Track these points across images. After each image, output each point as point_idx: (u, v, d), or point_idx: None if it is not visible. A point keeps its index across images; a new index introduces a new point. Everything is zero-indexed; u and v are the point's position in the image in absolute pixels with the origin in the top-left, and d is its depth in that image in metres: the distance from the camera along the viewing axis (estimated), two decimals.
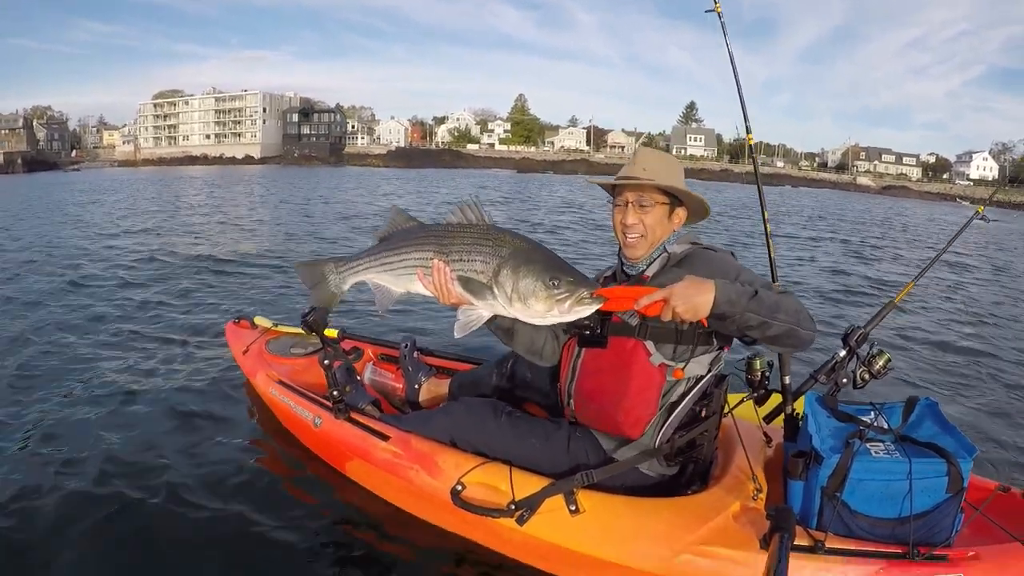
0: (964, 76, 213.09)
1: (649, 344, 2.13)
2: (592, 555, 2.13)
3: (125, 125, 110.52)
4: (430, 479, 2.46)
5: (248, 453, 3.36)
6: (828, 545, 1.95)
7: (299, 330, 3.79)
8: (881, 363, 2.55)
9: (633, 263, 2.29)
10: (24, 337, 5.46)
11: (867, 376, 2.56)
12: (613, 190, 2.32)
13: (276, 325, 4.06)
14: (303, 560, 2.53)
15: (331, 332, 2.97)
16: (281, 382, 3.25)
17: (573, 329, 2.30)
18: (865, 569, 1.92)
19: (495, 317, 2.11)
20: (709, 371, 2.21)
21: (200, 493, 2.97)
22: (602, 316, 2.17)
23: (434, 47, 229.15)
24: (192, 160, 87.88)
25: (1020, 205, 64.32)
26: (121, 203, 21.78)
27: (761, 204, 2.85)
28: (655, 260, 2.25)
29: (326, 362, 2.85)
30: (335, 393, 2.84)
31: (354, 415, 2.83)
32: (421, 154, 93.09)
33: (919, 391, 4.12)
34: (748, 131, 2.94)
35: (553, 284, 1.86)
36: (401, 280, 2.17)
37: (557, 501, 2.18)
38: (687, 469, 2.30)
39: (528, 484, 2.24)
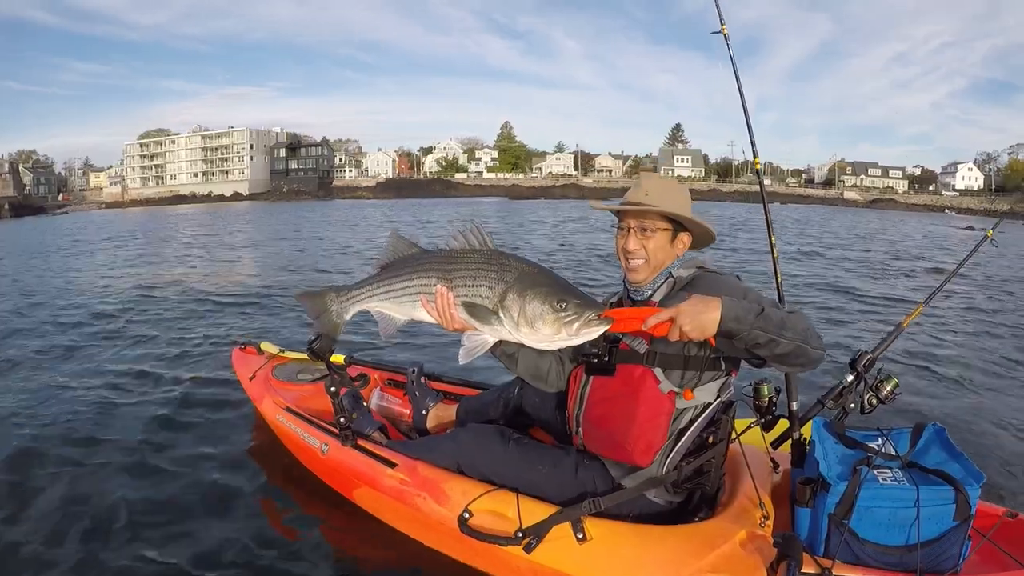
0: (948, 88, 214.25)
1: (658, 371, 2.12)
2: None
3: (111, 166, 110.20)
4: (437, 506, 2.45)
5: (254, 479, 3.37)
6: (835, 573, 1.93)
7: (306, 356, 3.80)
8: (889, 388, 2.54)
9: (636, 287, 2.29)
10: (36, 374, 5.50)
11: (875, 401, 2.55)
12: (618, 215, 2.33)
13: (283, 351, 4.07)
14: None
15: (337, 358, 2.99)
16: (288, 408, 3.26)
17: (581, 357, 2.30)
18: None
19: (500, 342, 2.13)
20: (717, 397, 2.20)
21: (206, 519, 2.98)
22: (610, 344, 2.18)
23: (420, 79, 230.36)
24: (180, 199, 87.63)
25: (1006, 213, 63.71)
26: (113, 244, 21.81)
27: (767, 225, 2.85)
28: (661, 285, 2.25)
29: (332, 389, 2.86)
30: (342, 420, 2.85)
31: (361, 442, 2.83)
32: (411, 184, 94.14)
33: (926, 416, 4.10)
34: (755, 155, 2.93)
35: (560, 307, 1.86)
36: (404, 307, 2.17)
37: (564, 529, 2.17)
38: (694, 496, 2.29)
39: (535, 512, 2.24)
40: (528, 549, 2.18)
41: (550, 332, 1.87)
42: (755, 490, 2.24)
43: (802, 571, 1.89)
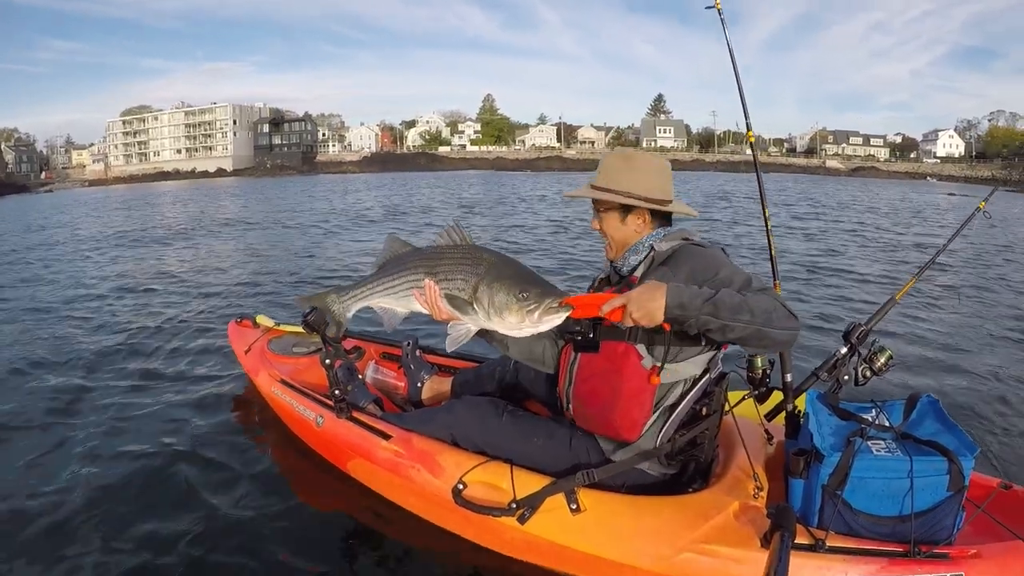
0: (928, 56, 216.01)
1: (641, 347, 2.11)
2: (593, 554, 2.13)
3: (94, 143, 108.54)
4: (431, 478, 2.46)
5: (249, 452, 3.38)
6: (829, 543, 1.94)
7: (301, 329, 3.80)
8: (883, 360, 2.54)
9: (612, 263, 2.35)
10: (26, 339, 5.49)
11: (869, 373, 2.55)
12: None
13: (278, 324, 4.06)
14: (304, 558, 2.54)
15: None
16: (283, 381, 3.26)
17: (567, 335, 2.31)
18: (866, 567, 1.91)
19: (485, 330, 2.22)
20: (706, 371, 2.19)
21: (200, 491, 2.99)
22: (594, 322, 2.19)
23: (401, 52, 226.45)
24: (164, 176, 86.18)
25: (987, 180, 65.85)
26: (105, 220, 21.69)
27: (761, 199, 2.84)
28: (643, 259, 2.24)
29: (327, 361, 2.85)
30: (337, 392, 2.84)
31: (355, 414, 2.83)
32: (397, 158, 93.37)
33: (920, 388, 4.12)
34: (748, 127, 2.91)
35: (522, 296, 1.98)
36: (402, 301, 2.34)
37: (558, 500, 2.18)
38: (688, 467, 2.30)
39: (529, 483, 2.24)
40: (522, 520, 2.19)
41: (515, 320, 1.99)
42: (749, 462, 2.25)
43: (796, 541, 1.90)
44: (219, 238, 13.90)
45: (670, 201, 2.29)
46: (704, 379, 2.20)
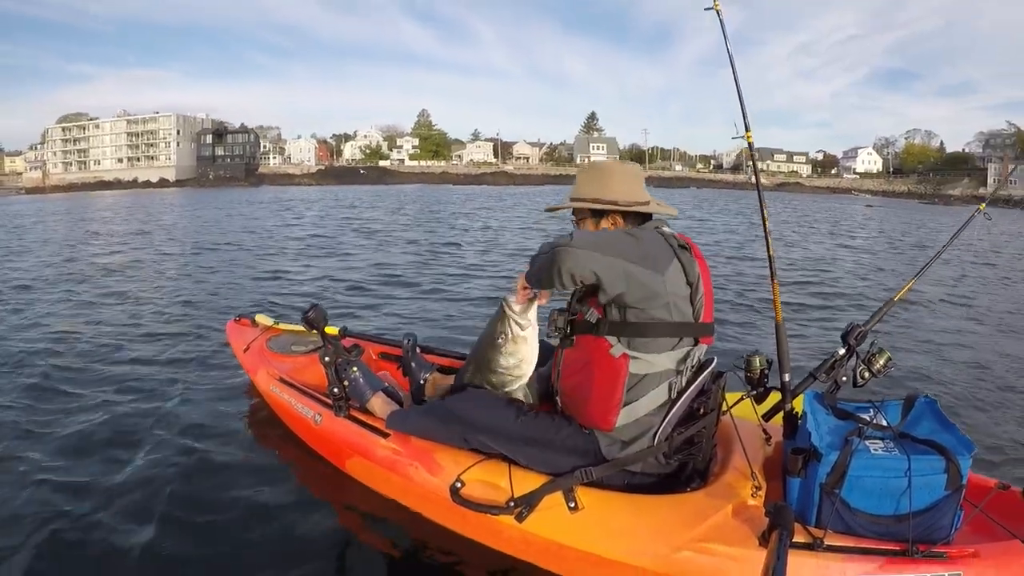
0: (850, 77, 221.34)
1: (611, 338, 2.16)
2: (591, 552, 2.13)
3: (32, 148, 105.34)
4: (429, 476, 2.47)
5: (248, 450, 3.37)
6: (827, 542, 1.94)
7: (300, 328, 3.80)
8: (881, 362, 2.55)
9: None
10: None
11: (867, 375, 2.56)
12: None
13: (277, 323, 4.06)
14: (302, 556, 2.53)
15: (332, 330, 2.98)
16: (282, 379, 3.26)
17: (554, 332, 2.35)
18: (864, 566, 1.91)
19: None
20: (691, 365, 2.22)
21: (198, 489, 2.99)
22: (568, 318, 2.29)
23: (334, 64, 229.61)
24: (105, 185, 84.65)
25: (903, 194, 75.16)
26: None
27: (760, 205, 2.85)
28: None
29: (326, 359, 2.85)
30: (335, 391, 2.84)
31: (354, 412, 2.83)
32: (349, 172, 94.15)
33: (917, 389, 4.13)
34: (747, 128, 2.92)
35: (501, 338, 2.29)
36: None
37: (556, 498, 2.19)
38: (686, 466, 2.30)
39: (527, 481, 2.25)
40: (520, 518, 2.20)
41: (525, 347, 2.33)
42: (747, 461, 2.25)
43: (794, 540, 1.90)
44: (217, 239, 13.89)
45: (643, 203, 2.35)
46: (700, 377, 2.22)
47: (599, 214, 2.35)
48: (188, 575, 2.46)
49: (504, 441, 2.39)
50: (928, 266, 3.03)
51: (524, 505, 2.19)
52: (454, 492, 2.32)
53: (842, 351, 2.63)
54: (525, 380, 2.40)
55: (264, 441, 3.46)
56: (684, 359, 2.20)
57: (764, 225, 2.81)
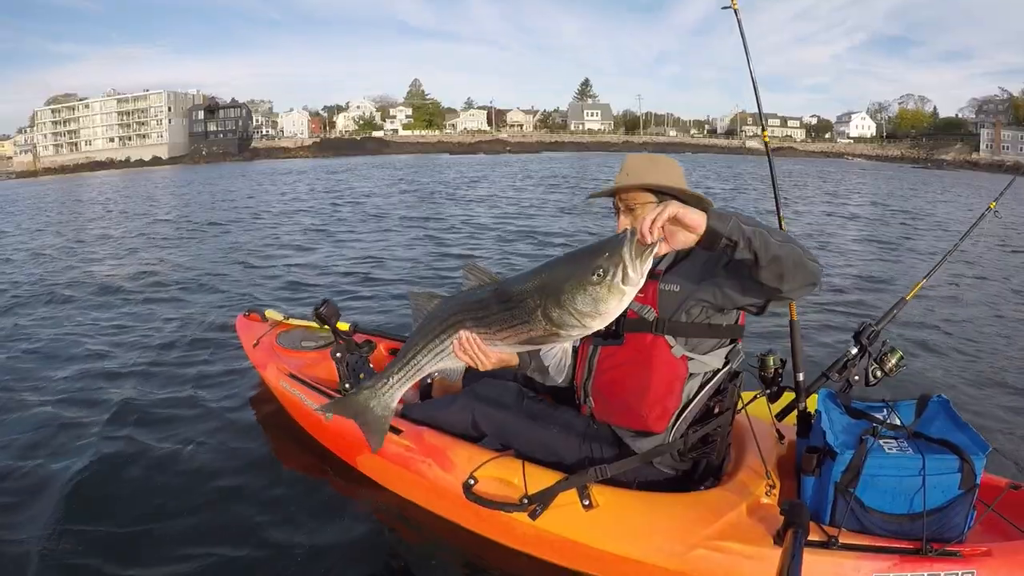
0: (848, 42, 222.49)
1: (668, 338, 2.13)
2: (605, 550, 2.14)
3: (20, 132, 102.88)
4: (442, 473, 2.47)
5: (258, 446, 3.39)
6: (841, 541, 1.96)
7: (310, 323, 3.81)
8: (894, 361, 2.55)
9: None
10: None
11: (879, 374, 2.56)
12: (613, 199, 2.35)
13: (287, 318, 4.06)
14: (314, 553, 2.55)
15: (343, 325, 2.99)
16: (292, 375, 3.26)
17: None
18: (878, 564, 1.92)
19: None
20: (726, 363, 2.22)
21: (209, 485, 3.01)
22: None
23: (325, 36, 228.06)
24: (98, 165, 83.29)
25: (895, 158, 76.15)
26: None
27: (772, 179, 2.88)
28: (666, 255, 2.25)
29: (338, 355, 2.86)
30: (347, 386, 2.85)
31: None
32: (346, 144, 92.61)
33: (931, 388, 4.13)
34: (761, 118, 2.95)
35: (599, 274, 1.63)
36: (450, 360, 2.00)
37: (570, 496, 2.19)
38: (700, 465, 2.31)
39: (541, 478, 2.25)
40: (534, 516, 2.20)
41: (616, 302, 1.65)
42: (761, 460, 2.26)
43: (808, 539, 1.91)
44: (219, 230, 13.86)
45: (697, 195, 2.29)
46: (721, 374, 2.22)
47: (662, 200, 2.23)
48: (198, 572, 2.47)
49: (513, 427, 2.40)
50: (939, 265, 3.03)
51: (538, 502, 2.19)
52: (467, 489, 2.33)
53: (854, 350, 2.62)
54: (577, 339, 1.92)
55: (274, 437, 3.47)
56: (730, 355, 2.22)
57: (776, 203, 2.82)
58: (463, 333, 1.88)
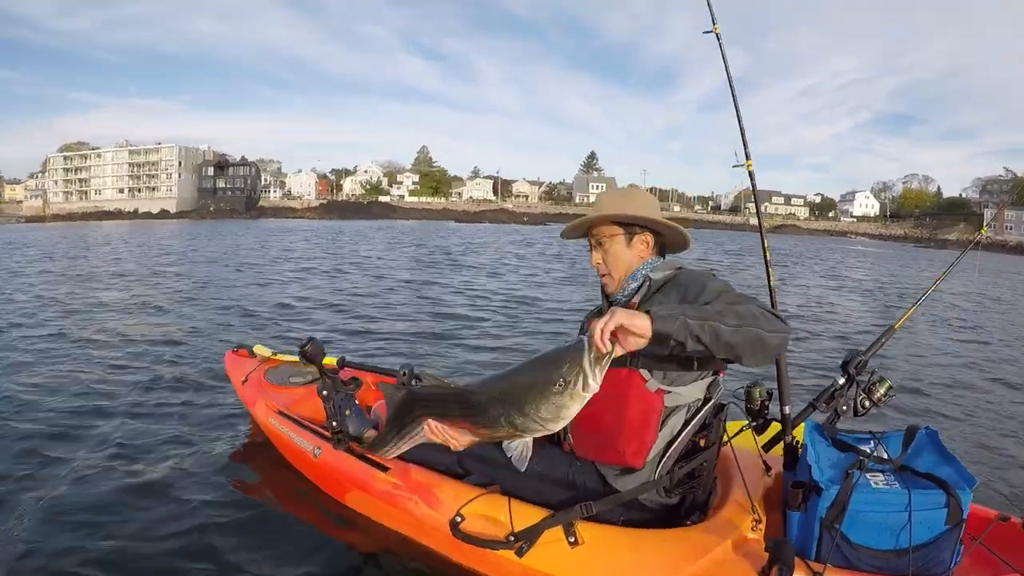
0: (852, 121, 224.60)
1: (644, 372, 2.13)
2: None
3: (32, 176, 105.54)
4: (429, 510, 2.46)
5: (247, 483, 3.37)
6: None
7: (298, 359, 3.80)
8: (882, 391, 2.54)
9: (611, 296, 2.36)
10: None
11: (867, 404, 2.55)
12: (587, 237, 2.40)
13: (275, 354, 4.06)
14: None
15: (330, 361, 2.99)
16: (280, 412, 3.25)
17: None
18: None
19: None
20: (708, 396, 2.21)
21: (197, 523, 2.97)
22: None
23: (338, 99, 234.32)
24: (106, 215, 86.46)
25: (899, 238, 78.77)
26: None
27: (761, 237, 2.89)
28: (638, 289, 2.27)
29: (324, 392, 2.85)
30: (334, 424, 2.84)
31: (353, 445, 2.82)
32: (352, 207, 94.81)
33: (919, 419, 4.12)
34: (747, 157, 2.95)
35: (559, 384, 1.69)
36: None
37: (556, 533, 2.17)
38: (686, 499, 2.29)
39: (527, 515, 2.23)
40: (520, 553, 2.18)
41: (577, 406, 1.72)
42: (747, 494, 2.24)
43: (793, 575, 1.89)
44: (219, 273, 13.89)
45: (670, 223, 2.34)
46: (704, 409, 2.21)
47: (631, 232, 2.30)
48: None
49: (497, 465, 2.38)
50: (927, 294, 3.03)
51: (524, 540, 2.17)
52: (454, 526, 2.31)
53: (842, 380, 2.61)
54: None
55: (263, 474, 3.45)
56: (711, 387, 2.21)
57: (765, 255, 2.83)
58: (430, 421, 2.01)
